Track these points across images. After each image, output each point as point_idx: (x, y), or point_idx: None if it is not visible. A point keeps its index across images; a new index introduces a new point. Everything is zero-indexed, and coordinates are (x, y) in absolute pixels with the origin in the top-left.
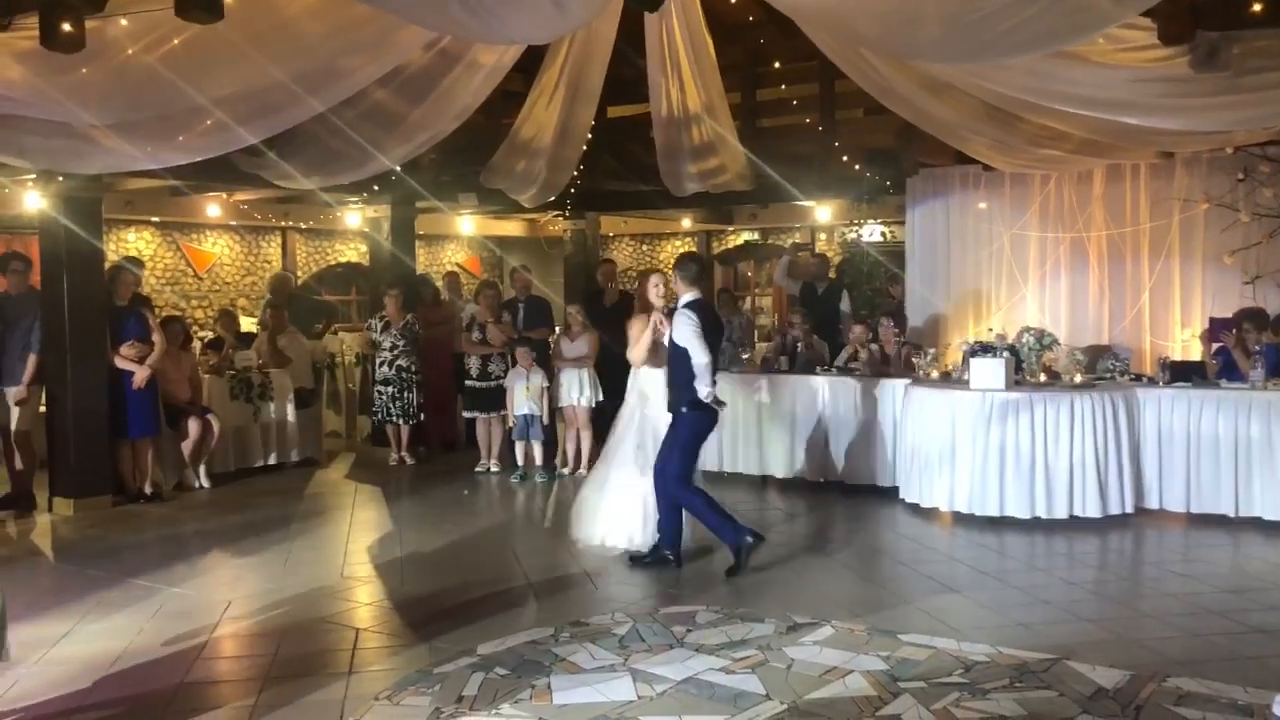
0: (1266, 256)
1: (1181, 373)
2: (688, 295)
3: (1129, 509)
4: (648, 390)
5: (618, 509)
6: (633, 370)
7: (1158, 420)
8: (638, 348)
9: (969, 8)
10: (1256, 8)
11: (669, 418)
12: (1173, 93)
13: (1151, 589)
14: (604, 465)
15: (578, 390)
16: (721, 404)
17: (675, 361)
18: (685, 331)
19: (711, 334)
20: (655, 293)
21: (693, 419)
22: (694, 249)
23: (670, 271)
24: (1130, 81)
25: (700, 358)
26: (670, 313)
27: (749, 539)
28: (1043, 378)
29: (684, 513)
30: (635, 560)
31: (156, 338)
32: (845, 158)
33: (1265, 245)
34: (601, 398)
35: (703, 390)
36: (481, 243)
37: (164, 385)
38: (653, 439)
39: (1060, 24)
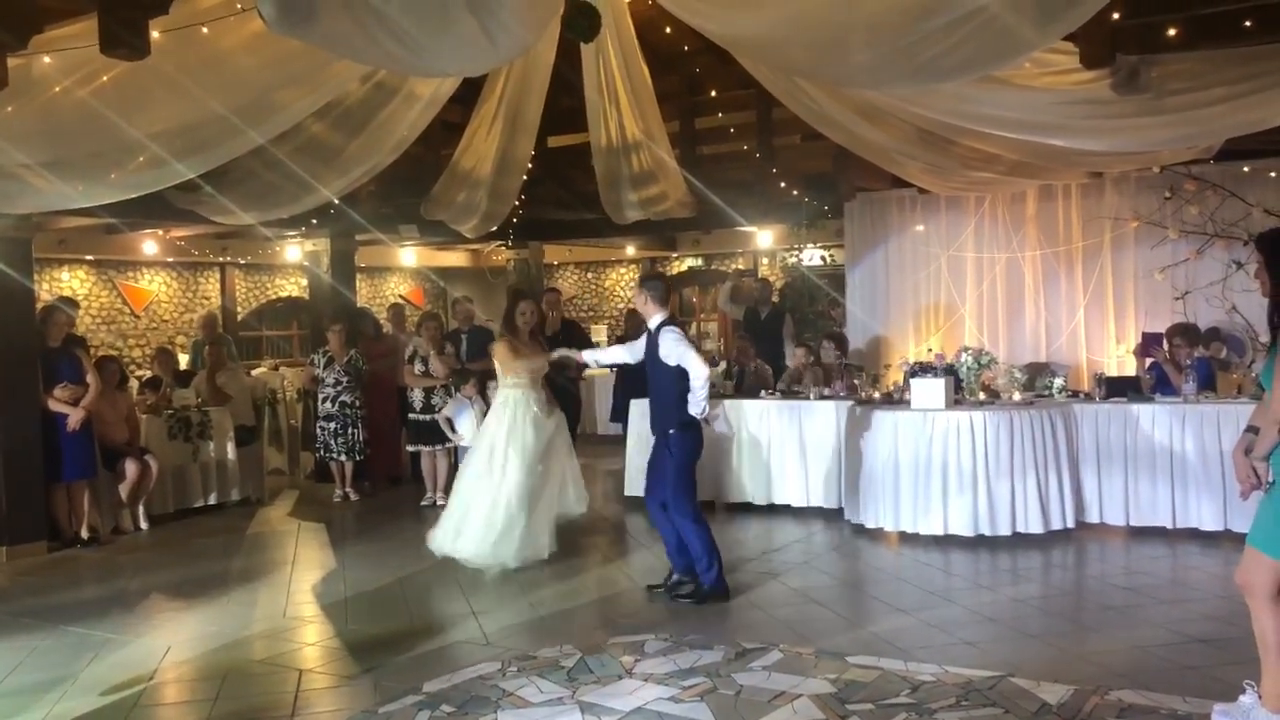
0: (1195, 272)
1: (1117, 388)
2: (658, 315)
3: (1070, 524)
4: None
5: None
6: (501, 386)
7: (1095, 435)
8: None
9: (895, 36)
10: (1172, 32)
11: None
12: (1096, 114)
13: (1094, 603)
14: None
15: None
16: (709, 422)
17: (661, 381)
18: (679, 348)
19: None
20: (523, 319)
21: (684, 439)
22: (655, 273)
23: (640, 290)
24: (1055, 104)
25: (700, 370)
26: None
27: (716, 592)
28: (982, 396)
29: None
30: (653, 589)
31: (91, 379)
32: (784, 183)
33: (1194, 261)
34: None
35: (696, 407)
36: (424, 274)
37: (100, 427)
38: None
39: (984, 50)
